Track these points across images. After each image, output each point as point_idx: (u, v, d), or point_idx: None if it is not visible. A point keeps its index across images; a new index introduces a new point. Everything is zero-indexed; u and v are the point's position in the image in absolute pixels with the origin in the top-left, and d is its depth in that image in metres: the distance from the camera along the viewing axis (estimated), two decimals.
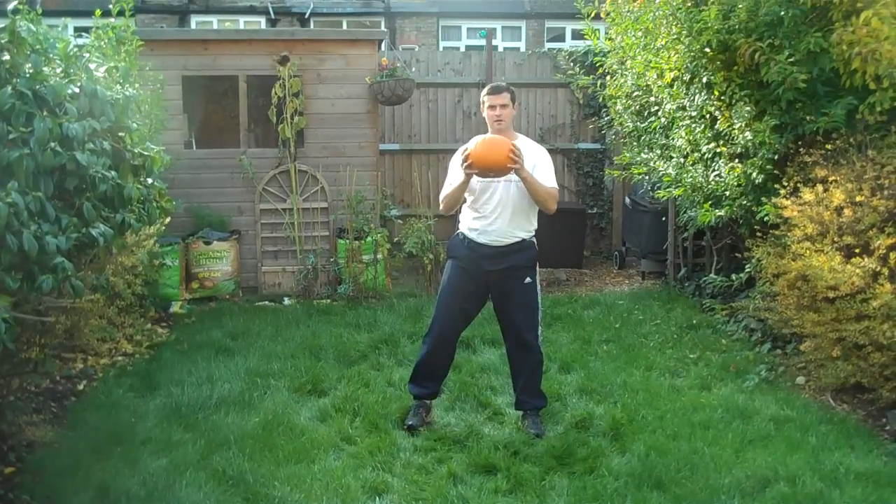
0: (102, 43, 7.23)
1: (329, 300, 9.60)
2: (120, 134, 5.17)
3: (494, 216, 5.82)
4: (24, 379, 5.54)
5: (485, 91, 5.94)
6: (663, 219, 10.17)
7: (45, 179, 4.28)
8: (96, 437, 5.56)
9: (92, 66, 5.18)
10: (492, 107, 5.84)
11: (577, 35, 16.26)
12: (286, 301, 9.61)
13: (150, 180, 5.64)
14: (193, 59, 9.92)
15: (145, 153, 5.39)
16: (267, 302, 9.59)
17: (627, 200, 11.19)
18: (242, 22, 19.96)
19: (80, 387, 6.59)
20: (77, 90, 4.68)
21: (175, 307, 9.08)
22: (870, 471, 5.12)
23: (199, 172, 9.90)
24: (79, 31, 14.05)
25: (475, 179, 5.71)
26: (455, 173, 5.78)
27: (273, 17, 19.69)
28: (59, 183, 4.45)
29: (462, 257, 5.94)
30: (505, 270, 5.85)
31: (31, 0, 5.87)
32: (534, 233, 6.00)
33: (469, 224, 5.92)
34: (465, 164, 5.53)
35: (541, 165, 5.80)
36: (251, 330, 8.21)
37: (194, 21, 19.75)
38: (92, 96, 4.73)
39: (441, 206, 5.96)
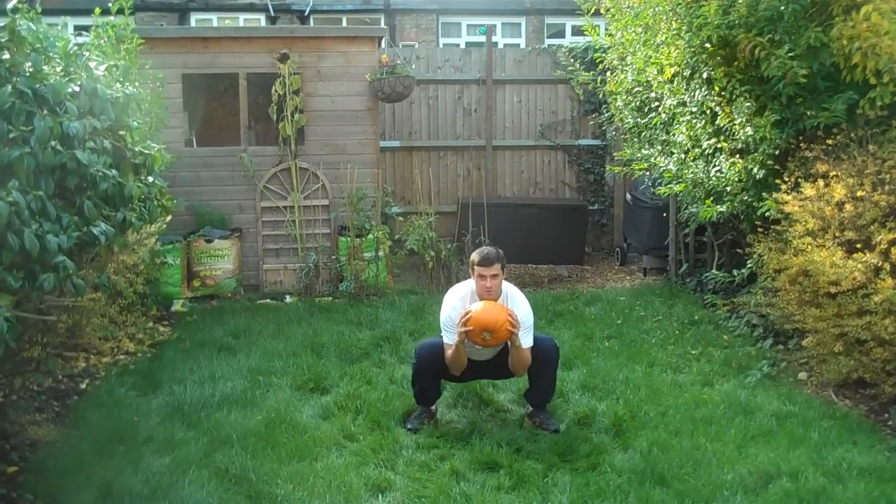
0: (102, 41, 7.23)
1: (331, 298, 9.61)
2: (120, 132, 5.17)
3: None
4: (26, 378, 5.55)
5: (476, 258, 5.79)
6: (664, 215, 10.16)
7: (45, 178, 4.28)
8: (99, 435, 5.56)
9: (92, 64, 5.17)
10: (482, 276, 5.72)
11: (577, 31, 16.25)
12: (288, 299, 9.62)
13: (150, 178, 5.64)
14: (193, 57, 9.93)
15: (146, 151, 5.39)
16: (268, 300, 9.59)
17: (628, 196, 11.19)
18: (242, 19, 19.94)
19: (83, 385, 6.60)
20: (77, 89, 4.68)
21: (177, 305, 9.09)
22: (872, 466, 5.11)
23: (199, 171, 9.91)
24: (79, 29, 14.05)
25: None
26: (449, 334, 5.75)
27: (273, 14, 19.67)
28: (60, 181, 4.45)
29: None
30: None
31: None
32: None
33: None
34: (464, 320, 5.55)
35: (525, 327, 5.72)
36: (253, 328, 8.22)
37: (194, 18, 19.73)
38: (92, 95, 4.73)
39: (452, 371, 5.87)
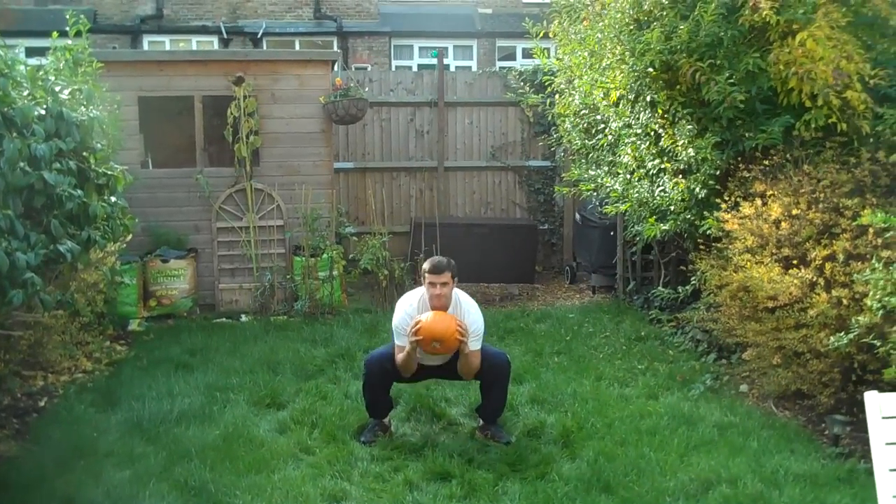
0: (60, 64, 7.29)
1: (286, 316, 9.72)
2: (84, 154, 5.30)
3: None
4: None
5: (427, 266, 5.97)
6: (612, 234, 10.38)
7: (14, 198, 4.42)
8: (60, 451, 5.65)
9: (57, 88, 5.30)
10: (432, 284, 5.90)
11: (528, 54, 16.51)
12: (243, 318, 9.72)
13: (113, 198, 5.76)
14: (149, 80, 10.02)
15: (109, 172, 5.53)
16: (224, 319, 9.68)
17: (577, 216, 11.39)
18: (195, 42, 19.97)
19: (42, 403, 6.67)
20: (43, 112, 4.81)
21: (133, 325, 9.14)
22: (808, 472, 5.35)
23: (155, 192, 9.95)
24: (31, 51, 14.04)
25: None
26: (401, 338, 5.92)
27: (226, 36, 19.74)
28: (28, 201, 4.58)
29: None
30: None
31: None
32: None
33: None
34: (414, 330, 5.71)
35: (475, 334, 5.94)
36: (209, 346, 8.30)
37: (146, 41, 19.74)
38: (58, 118, 4.87)
39: (402, 374, 6.04)
